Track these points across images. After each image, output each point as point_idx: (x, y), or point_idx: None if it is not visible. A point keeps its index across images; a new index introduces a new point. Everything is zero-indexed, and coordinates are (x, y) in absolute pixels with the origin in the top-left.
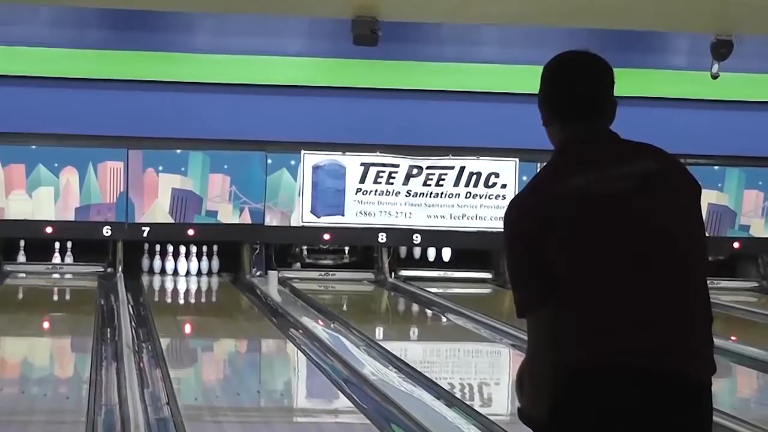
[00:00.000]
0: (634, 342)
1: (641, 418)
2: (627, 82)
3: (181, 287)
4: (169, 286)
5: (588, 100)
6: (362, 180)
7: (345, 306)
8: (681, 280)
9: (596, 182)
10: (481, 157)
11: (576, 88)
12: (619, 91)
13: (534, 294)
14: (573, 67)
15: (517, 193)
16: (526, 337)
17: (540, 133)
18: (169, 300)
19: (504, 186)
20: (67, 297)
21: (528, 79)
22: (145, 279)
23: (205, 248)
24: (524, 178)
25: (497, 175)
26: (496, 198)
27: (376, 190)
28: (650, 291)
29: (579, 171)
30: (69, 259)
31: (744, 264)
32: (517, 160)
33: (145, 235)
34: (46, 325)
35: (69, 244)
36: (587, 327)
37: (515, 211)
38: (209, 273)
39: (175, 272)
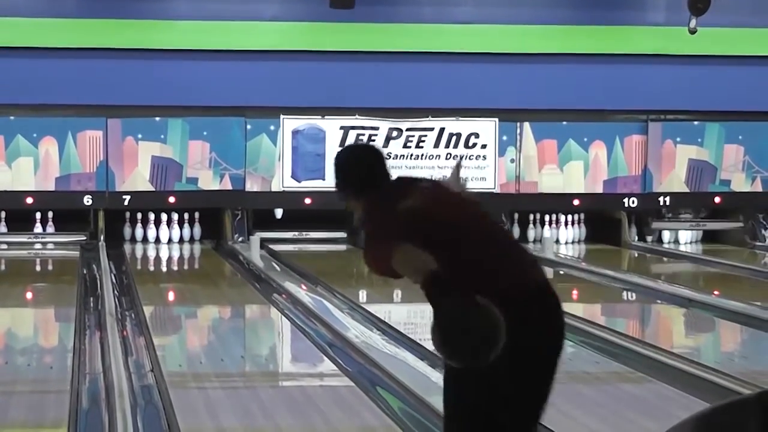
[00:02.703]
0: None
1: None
2: (606, 39)
3: (164, 255)
4: (151, 254)
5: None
6: (342, 143)
7: (327, 269)
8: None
9: None
10: (460, 118)
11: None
12: (598, 48)
13: None
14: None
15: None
16: None
17: (519, 92)
18: (151, 268)
19: (484, 146)
20: (50, 267)
21: (506, 38)
22: (127, 247)
23: (186, 215)
24: (504, 137)
25: (477, 136)
26: (476, 158)
27: None
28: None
29: None
30: (50, 229)
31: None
32: (497, 119)
33: (126, 203)
34: (28, 295)
35: (50, 214)
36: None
37: None
38: (191, 240)
39: (157, 240)
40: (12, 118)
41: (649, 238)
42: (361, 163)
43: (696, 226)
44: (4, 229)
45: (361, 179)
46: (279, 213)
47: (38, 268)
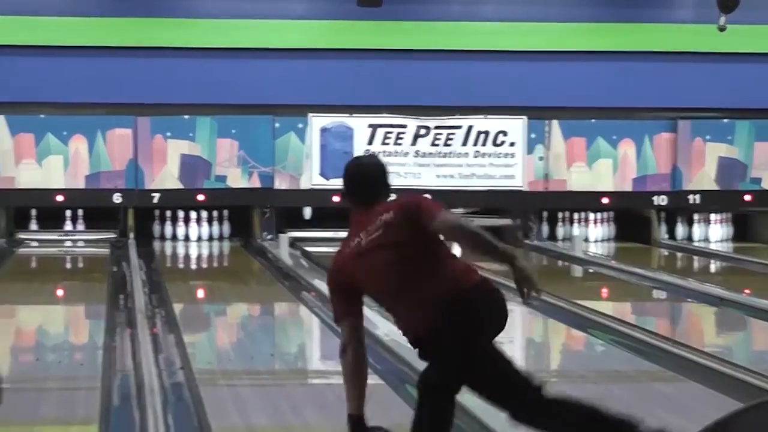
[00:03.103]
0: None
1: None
2: (635, 36)
3: (193, 252)
4: (180, 251)
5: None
6: (370, 141)
7: None
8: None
9: None
10: (488, 116)
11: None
12: (627, 45)
13: None
14: None
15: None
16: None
17: (548, 90)
18: (181, 265)
19: (512, 144)
20: (80, 264)
21: (534, 36)
22: (156, 245)
23: (215, 213)
24: (532, 135)
25: (505, 134)
26: (504, 156)
27: (384, 152)
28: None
29: None
30: (81, 226)
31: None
32: (525, 117)
33: (155, 201)
34: (59, 292)
35: (80, 212)
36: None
37: None
38: (220, 238)
39: (186, 238)
40: (42, 116)
41: (679, 236)
42: (357, 182)
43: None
44: (35, 227)
45: (352, 197)
46: (308, 213)
47: (68, 265)
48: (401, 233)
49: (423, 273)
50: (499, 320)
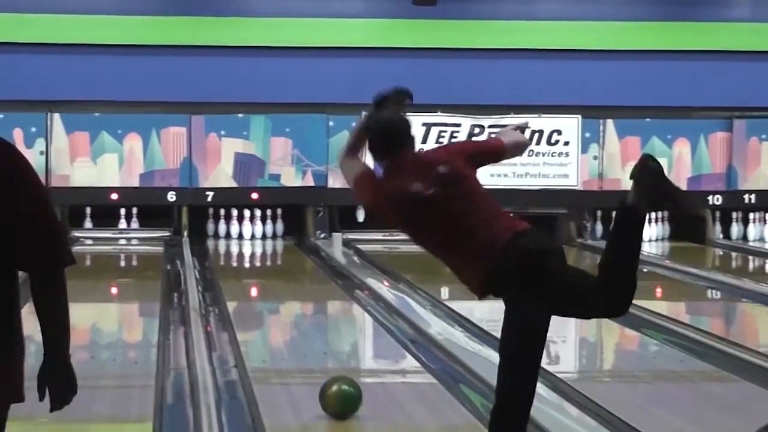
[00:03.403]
0: None
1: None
2: (690, 35)
3: (246, 251)
4: (234, 249)
5: None
6: (424, 140)
7: (409, 265)
8: None
9: None
10: (543, 115)
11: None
12: (682, 44)
13: None
14: None
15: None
16: None
17: (602, 89)
18: (234, 264)
19: (567, 143)
20: (134, 262)
21: (589, 35)
22: (210, 243)
23: (269, 212)
24: (587, 134)
25: (560, 132)
26: (558, 155)
27: None
28: None
29: None
30: (135, 224)
31: None
32: (580, 116)
33: (209, 199)
34: (113, 290)
35: (134, 210)
36: None
37: None
38: (273, 236)
39: (240, 236)
40: (97, 114)
41: (734, 236)
42: (381, 134)
43: None
44: (89, 225)
45: (377, 150)
46: (361, 216)
47: (122, 263)
48: (465, 180)
49: (486, 219)
50: (555, 252)
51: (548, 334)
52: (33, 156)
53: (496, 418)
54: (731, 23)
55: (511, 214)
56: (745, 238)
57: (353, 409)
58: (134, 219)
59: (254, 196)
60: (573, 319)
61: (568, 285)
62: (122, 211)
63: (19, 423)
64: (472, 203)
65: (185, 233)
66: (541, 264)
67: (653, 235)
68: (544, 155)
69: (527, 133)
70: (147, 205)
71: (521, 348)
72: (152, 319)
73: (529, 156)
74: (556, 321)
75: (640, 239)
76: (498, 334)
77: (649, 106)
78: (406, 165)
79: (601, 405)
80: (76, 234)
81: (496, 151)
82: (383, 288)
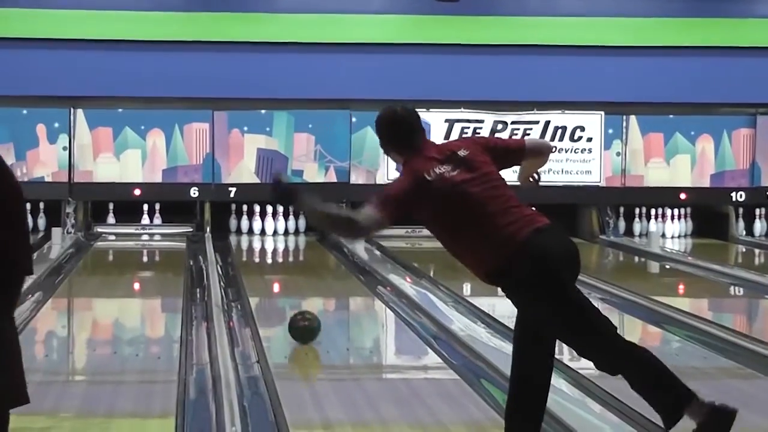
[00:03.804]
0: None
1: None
2: (713, 31)
3: (269, 247)
4: (256, 245)
5: None
6: (447, 136)
7: (432, 262)
8: None
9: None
10: (566, 111)
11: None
12: (705, 40)
13: None
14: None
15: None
16: (614, 291)
17: (625, 85)
18: (256, 259)
19: (590, 139)
20: (157, 258)
21: (612, 31)
22: (232, 239)
23: (291, 208)
24: (610, 130)
25: (583, 129)
26: (581, 152)
27: None
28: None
29: None
30: (157, 220)
31: None
32: (603, 113)
33: (231, 195)
34: (136, 286)
35: (157, 206)
36: None
37: None
38: (296, 232)
39: (263, 232)
40: (120, 110)
41: (758, 232)
42: (397, 128)
43: None
44: (112, 221)
45: (395, 142)
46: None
47: (145, 259)
48: (485, 165)
49: (505, 209)
50: (573, 259)
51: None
52: (56, 151)
53: (509, 410)
54: (755, 19)
55: (533, 208)
56: None
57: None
58: (157, 215)
59: None
60: None
61: (577, 308)
62: (145, 206)
63: (44, 417)
64: (490, 189)
65: (208, 229)
66: (558, 272)
67: (676, 231)
68: (567, 151)
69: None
70: (170, 200)
71: (526, 338)
72: (175, 314)
73: (552, 152)
74: None
75: None
76: None
77: (672, 102)
78: (429, 150)
79: (624, 401)
80: (99, 230)
81: (516, 148)
82: (405, 284)
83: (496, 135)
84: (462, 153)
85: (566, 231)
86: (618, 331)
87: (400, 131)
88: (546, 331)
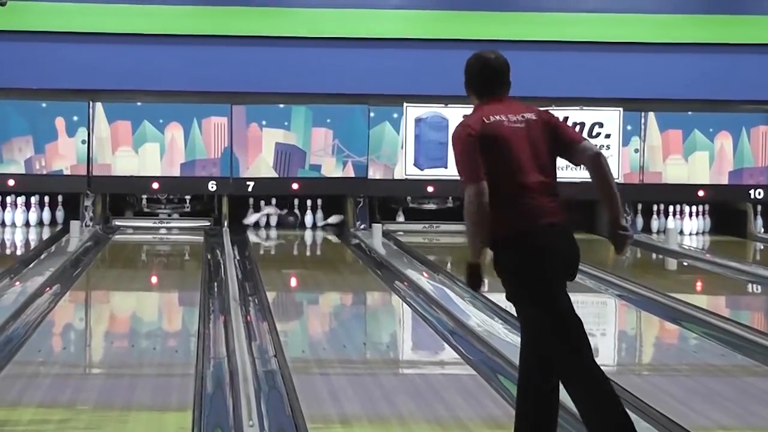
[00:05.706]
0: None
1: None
2: (733, 28)
3: (286, 241)
4: (274, 239)
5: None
6: None
7: (449, 257)
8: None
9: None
10: (584, 107)
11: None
12: (725, 37)
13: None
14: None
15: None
16: (631, 288)
17: (644, 82)
18: (274, 253)
19: (608, 136)
20: (175, 252)
21: (630, 27)
22: (250, 233)
23: (309, 202)
24: (628, 127)
25: (601, 125)
26: (600, 148)
27: None
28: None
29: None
30: (175, 214)
31: None
32: (621, 109)
33: (249, 189)
34: (154, 279)
35: (175, 200)
36: None
37: None
38: (314, 227)
39: (280, 225)
40: (139, 104)
41: None
42: (487, 72)
43: None
44: (130, 214)
45: (478, 85)
46: (401, 217)
47: (163, 252)
48: (541, 136)
49: (540, 182)
50: (572, 262)
51: (587, 326)
52: (75, 145)
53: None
54: None
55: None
56: None
57: None
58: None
59: (295, 186)
60: (611, 312)
61: (556, 308)
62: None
63: (61, 410)
64: (535, 154)
65: (226, 223)
66: (553, 269)
67: (694, 228)
68: None
69: None
70: (188, 194)
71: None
72: (192, 308)
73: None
74: (592, 314)
75: None
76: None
77: (691, 99)
78: (504, 102)
79: (640, 398)
80: (117, 223)
81: (572, 139)
82: (422, 279)
83: None
84: (527, 115)
85: (573, 235)
86: (591, 352)
87: (487, 76)
88: (519, 320)
